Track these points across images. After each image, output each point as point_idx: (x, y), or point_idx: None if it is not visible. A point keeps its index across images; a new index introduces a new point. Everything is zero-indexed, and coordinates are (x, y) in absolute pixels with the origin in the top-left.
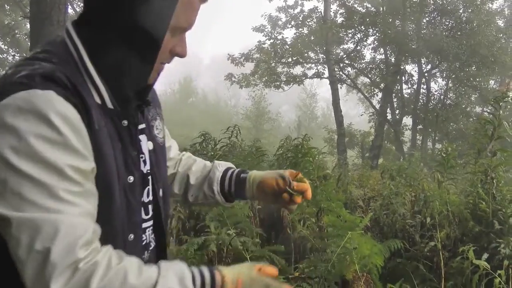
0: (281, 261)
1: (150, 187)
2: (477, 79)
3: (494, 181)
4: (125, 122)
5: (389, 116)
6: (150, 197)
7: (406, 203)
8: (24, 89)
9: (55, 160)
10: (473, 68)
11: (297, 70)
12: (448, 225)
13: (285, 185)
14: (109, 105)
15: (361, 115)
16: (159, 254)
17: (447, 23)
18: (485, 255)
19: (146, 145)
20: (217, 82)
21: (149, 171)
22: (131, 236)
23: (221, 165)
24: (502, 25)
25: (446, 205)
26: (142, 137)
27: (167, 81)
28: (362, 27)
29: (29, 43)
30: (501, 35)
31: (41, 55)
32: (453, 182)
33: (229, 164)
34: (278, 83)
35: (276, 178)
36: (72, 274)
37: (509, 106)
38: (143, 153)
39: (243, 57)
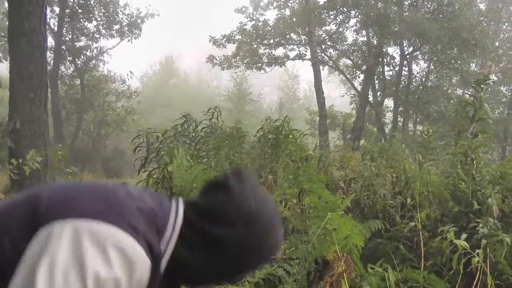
0: None
1: None
2: (458, 62)
3: (474, 162)
4: None
5: (370, 98)
6: None
7: (387, 184)
8: (134, 238)
9: None
10: (454, 50)
11: (279, 51)
12: (428, 206)
13: None
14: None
15: (342, 96)
16: None
17: (429, 5)
18: (464, 235)
19: None
20: (199, 64)
21: None
22: None
23: None
24: (483, 8)
25: (427, 186)
26: None
27: (148, 62)
28: (344, 8)
29: (7, 22)
30: (482, 18)
31: (152, 217)
32: (434, 163)
33: None
34: (260, 64)
35: None
36: None
37: (489, 89)
38: None
39: (225, 39)
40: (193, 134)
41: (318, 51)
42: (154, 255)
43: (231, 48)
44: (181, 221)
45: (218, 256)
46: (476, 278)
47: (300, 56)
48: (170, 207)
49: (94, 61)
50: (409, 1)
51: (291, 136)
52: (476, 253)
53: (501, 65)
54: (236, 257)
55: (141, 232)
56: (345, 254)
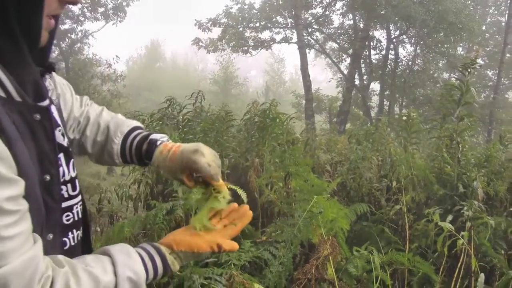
0: (248, 225)
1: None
2: (445, 46)
3: (459, 146)
4: (37, 116)
5: (357, 82)
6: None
7: (372, 167)
8: None
9: None
10: (441, 34)
11: (265, 35)
12: (413, 189)
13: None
14: (16, 97)
15: (329, 81)
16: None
17: None
18: (450, 217)
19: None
20: (185, 47)
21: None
22: (50, 236)
23: (117, 135)
24: None
25: (412, 169)
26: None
27: (133, 45)
28: None
29: None
30: (469, 1)
31: None
32: (419, 147)
33: (126, 126)
34: (246, 48)
35: (177, 179)
36: None
37: (475, 73)
38: (59, 126)
39: (210, 22)
40: (180, 117)
41: (304, 34)
42: None
43: (217, 32)
44: None
45: None
46: (461, 260)
47: (286, 40)
48: None
49: (79, 44)
50: None
51: (278, 120)
52: (461, 235)
53: (488, 49)
54: None
55: None
56: (330, 237)
